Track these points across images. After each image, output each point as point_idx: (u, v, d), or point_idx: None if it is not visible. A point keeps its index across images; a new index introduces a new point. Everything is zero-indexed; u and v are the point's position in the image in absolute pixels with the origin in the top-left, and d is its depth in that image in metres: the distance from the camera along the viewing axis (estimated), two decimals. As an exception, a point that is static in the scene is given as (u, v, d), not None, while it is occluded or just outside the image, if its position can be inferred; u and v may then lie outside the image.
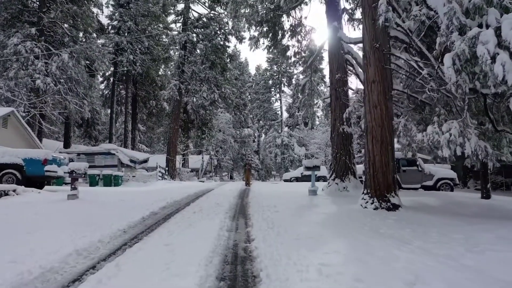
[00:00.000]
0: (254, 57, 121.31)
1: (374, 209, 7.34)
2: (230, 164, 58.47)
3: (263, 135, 42.47)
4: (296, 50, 15.35)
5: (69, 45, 23.49)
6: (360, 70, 12.15)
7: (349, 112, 11.62)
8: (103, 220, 6.14)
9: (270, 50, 15.42)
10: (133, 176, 21.88)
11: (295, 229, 5.51)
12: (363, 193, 7.85)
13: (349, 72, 12.53)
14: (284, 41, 15.07)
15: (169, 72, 32.97)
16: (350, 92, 12.53)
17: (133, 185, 20.83)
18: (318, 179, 31.47)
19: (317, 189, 11.17)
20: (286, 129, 43.60)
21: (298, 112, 58.77)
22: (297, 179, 30.48)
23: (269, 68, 42.41)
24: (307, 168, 11.09)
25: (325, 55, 13.36)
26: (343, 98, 12.03)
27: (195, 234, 5.24)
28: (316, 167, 11.06)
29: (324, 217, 6.79)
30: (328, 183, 11.91)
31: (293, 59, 15.56)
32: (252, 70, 74.97)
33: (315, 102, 16.02)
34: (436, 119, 7.01)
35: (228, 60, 28.27)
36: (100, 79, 37.32)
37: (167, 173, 25.97)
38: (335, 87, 12.13)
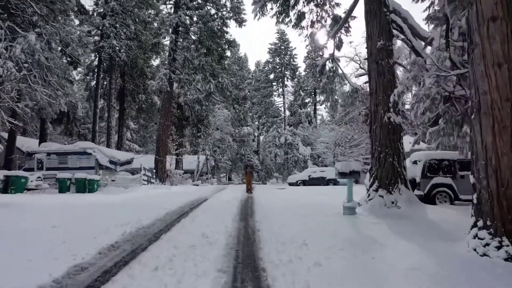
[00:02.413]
0: (254, 54, 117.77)
1: (506, 259, 3.81)
2: (229, 164, 54.80)
3: (264, 134, 38.87)
4: (314, 18, 11.80)
5: (38, 25, 19.89)
6: (411, 36, 8.61)
7: (399, 93, 8.07)
8: None
9: (280, 19, 11.87)
10: (112, 180, 18.28)
11: None
12: (474, 226, 4.27)
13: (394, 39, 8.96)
14: (299, 6, 11.50)
15: (159, 62, 29.40)
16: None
17: (111, 191, 17.23)
18: (328, 182, 27.97)
19: (356, 206, 7.61)
20: (288, 127, 39.99)
21: (301, 109, 55.17)
22: (304, 183, 26.98)
23: (271, 59, 38.76)
24: (342, 175, 7.53)
25: (359, 16, 9.81)
26: (388, 74, 8.48)
27: None
28: (354, 173, 7.51)
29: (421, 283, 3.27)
30: (368, 195, 8.35)
31: (309, 30, 12.00)
32: (251, 66, 71.61)
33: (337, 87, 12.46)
34: None
35: (227, 46, 24.69)
36: (84, 70, 33.76)
37: (155, 176, 22.37)
38: (376, 59, 8.58)
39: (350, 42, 40.97)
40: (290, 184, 27.31)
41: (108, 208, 8.97)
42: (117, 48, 24.36)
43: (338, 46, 11.95)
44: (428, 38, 8.27)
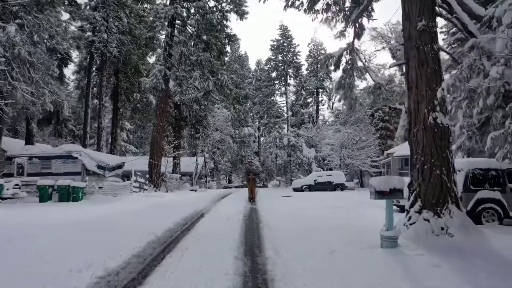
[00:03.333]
0: (255, 52, 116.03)
1: None
2: (228, 167, 52.96)
3: (266, 135, 37.02)
4: (330, 1, 9.95)
5: (19, 16, 18.10)
6: (464, 15, 6.79)
7: (449, 87, 6.26)
8: None
9: (290, 2, 10.03)
10: (99, 188, 16.47)
11: None
12: None
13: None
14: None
15: (155, 59, 27.55)
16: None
17: (98, 200, 15.45)
18: (335, 187, 26.16)
19: (398, 236, 5.76)
20: (291, 128, 38.12)
21: (303, 109, 53.29)
22: (310, 188, 25.18)
23: (273, 57, 36.85)
24: (379, 194, 5.67)
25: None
26: (433, 63, 6.64)
27: None
28: (397, 193, 5.67)
29: None
30: (409, 217, 6.51)
31: (324, 15, 10.15)
32: (252, 65, 69.78)
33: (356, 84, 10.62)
34: None
35: (226, 41, 22.84)
36: (76, 68, 31.96)
37: (148, 182, 20.54)
38: (416, 44, 6.74)
39: (374, 29, 38.57)
40: (295, 189, 25.50)
41: (77, 231, 7.14)
42: (108, 42, 22.54)
43: (359, 34, 10.11)
44: (485, 17, 6.44)
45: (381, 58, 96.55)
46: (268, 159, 68.48)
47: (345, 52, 10.59)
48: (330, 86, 54.30)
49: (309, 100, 49.56)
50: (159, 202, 14.34)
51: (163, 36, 22.34)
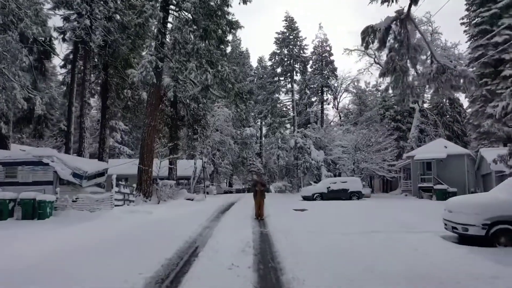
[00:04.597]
0: (256, 49, 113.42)
1: None
2: (229, 169, 49.92)
3: (270, 135, 34.00)
4: None
5: (-20, -5, 15.14)
6: None
7: None
8: None
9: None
10: (74, 201, 13.49)
11: None
12: None
13: None
14: None
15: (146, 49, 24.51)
16: None
17: (69, 217, 12.50)
18: (351, 196, 23.17)
19: None
20: (297, 128, 35.03)
21: (309, 108, 50.26)
22: (322, 196, 22.22)
23: (277, 51, 33.72)
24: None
25: None
26: None
27: None
28: None
29: None
30: None
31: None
32: (253, 63, 66.73)
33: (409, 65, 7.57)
34: None
35: (228, 29, 19.84)
36: (61, 61, 28.91)
37: (136, 191, 17.55)
38: None
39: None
40: (305, 198, 22.52)
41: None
42: (92, 30, 19.54)
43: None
44: None
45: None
46: (271, 160, 65.56)
47: (394, 23, 7.62)
48: (336, 84, 51.52)
49: (313, 99, 46.63)
50: (143, 223, 11.33)
51: (156, 23, 19.36)
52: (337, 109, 53.94)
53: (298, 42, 33.72)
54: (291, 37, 33.89)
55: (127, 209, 13.89)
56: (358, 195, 22.28)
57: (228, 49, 19.69)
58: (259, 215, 12.41)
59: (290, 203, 19.96)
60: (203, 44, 18.13)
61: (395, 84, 7.32)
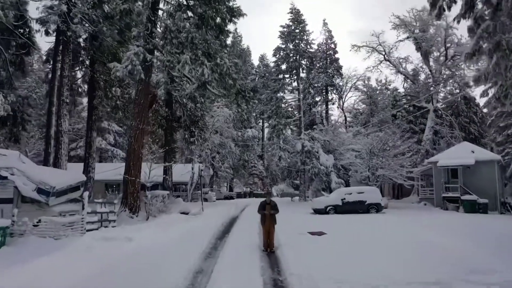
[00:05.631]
0: (256, 49, 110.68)
1: None
2: (230, 173, 47.11)
3: (275, 138, 31.19)
4: None
5: None
6: None
7: None
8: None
9: None
10: (35, 225, 10.71)
11: None
12: None
13: None
14: None
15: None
16: None
17: (28, 247, 9.73)
18: (369, 208, 20.43)
19: None
20: (304, 130, 32.18)
21: (313, 108, 47.40)
22: (336, 209, 19.48)
23: (282, 45, 30.91)
24: None
25: None
26: None
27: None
28: None
29: None
30: None
31: None
32: (255, 61, 63.94)
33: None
34: None
35: (228, 16, 17.06)
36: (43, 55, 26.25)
37: (121, 205, 14.78)
38: None
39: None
40: (316, 210, 19.76)
41: None
42: (70, 18, 16.78)
43: None
44: None
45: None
46: (273, 163, 62.74)
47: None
48: (341, 84, 48.70)
49: (317, 99, 43.84)
50: (116, 258, 8.56)
51: (144, 8, 16.56)
52: (342, 109, 51.19)
53: (305, 36, 30.94)
54: (297, 30, 31.07)
55: (102, 234, 11.10)
56: (377, 208, 19.50)
57: (229, 41, 16.83)
58: (268, 246, 9.64)
59: (301, 218, 17.20)
60: (200, 33, 15.35)
61: (497, 69, 4.52)
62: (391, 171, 23.54)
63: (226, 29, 17.25)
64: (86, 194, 11.10)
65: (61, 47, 20.23)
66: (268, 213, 9.84)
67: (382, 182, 25.03)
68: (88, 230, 11.13)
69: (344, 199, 19.57)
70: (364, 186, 21.86)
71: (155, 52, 16.90)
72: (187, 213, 18.96)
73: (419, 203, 26.47)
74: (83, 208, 10.96)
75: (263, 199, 10.57)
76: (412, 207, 24.90)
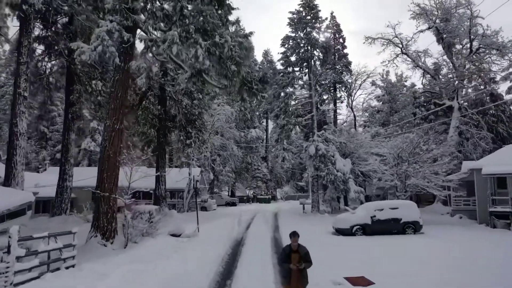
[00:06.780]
0: (258, 49, 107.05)
1: None
2: (232, 177, 43.28)
3: (284, 139, 27.38)
4: None
5: None
6: None
7: None
8: None
9: None
10: None
11: None
12: None
13: None
14: None
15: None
16: None
17: None
18: (405, 228, 16.59)
19: None
20: (317, 131, 28.29)
21: (321, 106, 43.61)
22: (365, 230, 15.66)
23: (292, 34, 26.99)
24: None
25: None
26: None
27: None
28: None
29: None
30: None
31: None
32: (258, 57, 60.09)
33: None
34: None
35: (230, -15, 13.30)
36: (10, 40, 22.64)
37: (92, 228, 11.00)
38: None
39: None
40: (340, 231, 15.97)
41: None
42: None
43: None
44: None
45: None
46: (277, 165, 58.87)
47: None
48: (350, 80, 44.94)
49: (324, 97, 40.01)
50: None
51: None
52: (351, 108, 47.48)
53: (318, 24, 27.08)
54: (308, 17, 27.17)
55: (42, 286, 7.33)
56: (415, 227, 15.69)
57: (232, 18, 13.06)
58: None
59: (323, 243, 13.33)
60: (192, 4, 11.59)
61: None
62: (424, 180, 19.70)
63: (227, 2, 13.44)
64: (15, 228, 7.30)
65: (25, 29, 16.52)
66: (295, 267, 6.03)
67: (411, 192, 21.17)
68: (19, 283, 7.36)
69: (374, 216, 15.75)
70: (397, 200, 18.03)
71: (137, 31, 13.14)
72: (179, 235, 15.16)
73: (453, 216, 22.60)
74: (8, 251, 7.16)
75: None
76: (446, 221, 21.05)
